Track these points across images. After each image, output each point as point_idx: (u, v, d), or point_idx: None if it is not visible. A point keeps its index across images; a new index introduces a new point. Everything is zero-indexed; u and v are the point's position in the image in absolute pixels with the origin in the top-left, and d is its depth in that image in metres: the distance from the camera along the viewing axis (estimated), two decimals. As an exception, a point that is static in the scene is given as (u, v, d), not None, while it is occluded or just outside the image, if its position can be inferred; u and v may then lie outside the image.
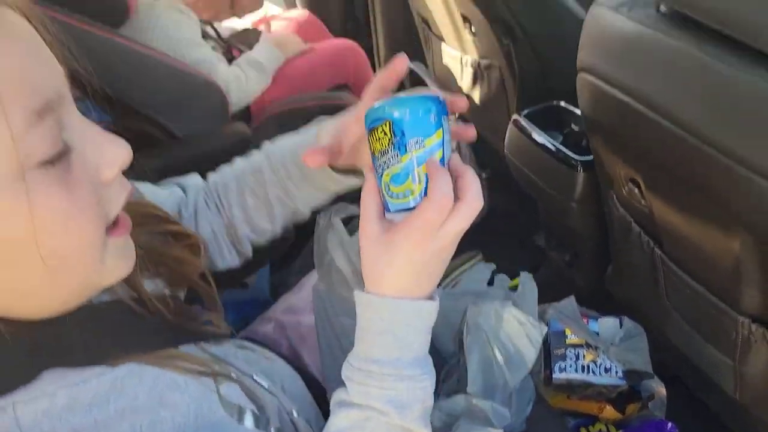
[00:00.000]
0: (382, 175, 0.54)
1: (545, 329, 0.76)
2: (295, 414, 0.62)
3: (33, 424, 0.43)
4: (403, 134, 0.52)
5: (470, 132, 0.61)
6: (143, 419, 0.46)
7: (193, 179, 0.78)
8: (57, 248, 0.43)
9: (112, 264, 0.48)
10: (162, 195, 0.73)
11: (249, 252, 0.78)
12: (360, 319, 0.56)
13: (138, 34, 1.39)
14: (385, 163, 0.53)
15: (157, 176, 0.75)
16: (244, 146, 1.47)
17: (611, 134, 0.88)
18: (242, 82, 1.54)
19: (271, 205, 0.73)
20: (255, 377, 0.60)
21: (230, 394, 0.53)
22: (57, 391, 0.45)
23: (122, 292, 0.55)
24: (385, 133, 0.52)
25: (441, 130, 0.53)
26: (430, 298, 0.56)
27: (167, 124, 1.32)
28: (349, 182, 0.69)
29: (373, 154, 0.54)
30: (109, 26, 1.25)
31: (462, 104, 0.58)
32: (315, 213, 0.78)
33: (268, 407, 0.57)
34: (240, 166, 0.75)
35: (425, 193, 0.52)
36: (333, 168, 0.66)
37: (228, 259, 0.77)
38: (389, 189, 0.53)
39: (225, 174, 0.76)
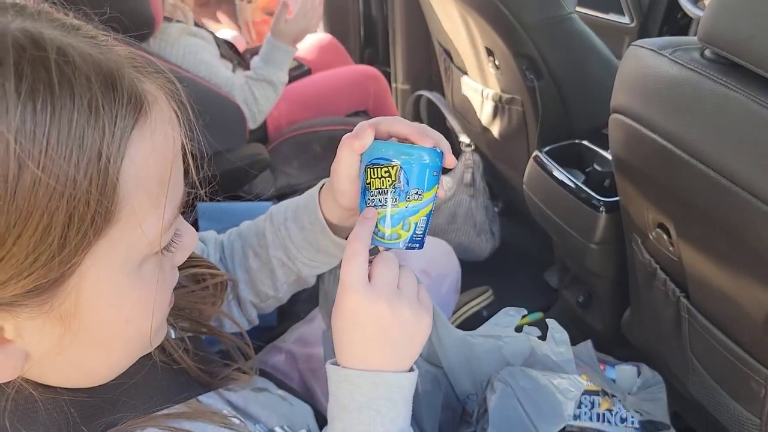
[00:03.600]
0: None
1: (582, 385, 0.72)
2: None
3: None
4: (407, 183, 0.54)
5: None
6: None
7: (210, 234, 0.77)
8: (144, 328, 0.42)
9: (163, 331, 0.48)
10: None
11: (254, 318, 0.77)
12: (335, 395, 0.54)
13: (159, 53, 1.38)
14: (379, 201, 0.55)
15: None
16: (261, 167, 1.45)
17: (643, 177, 0.86)
18: (251, 104, 1.49)
19: (273, 268, 0.71)
20: (277, 430, 0.58)
21: None
22: None
23: None
24: (389, 175, 0.54)
25: (437, 185, 0.56)
26: (408, 370, 0.55)
27: (185, 142, 1.30)
28: None
29: (367, 187, 0.56)
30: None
31: (454, 162, 0.59)
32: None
33: None
34: (246, 227, 0.75)
35: (410, 240, 0.56)
36: (335, 233, 0.65)
37: (237, 320, 0.75)
38: (375, 226, 0.55)
39: (232, 235, 0.75)
